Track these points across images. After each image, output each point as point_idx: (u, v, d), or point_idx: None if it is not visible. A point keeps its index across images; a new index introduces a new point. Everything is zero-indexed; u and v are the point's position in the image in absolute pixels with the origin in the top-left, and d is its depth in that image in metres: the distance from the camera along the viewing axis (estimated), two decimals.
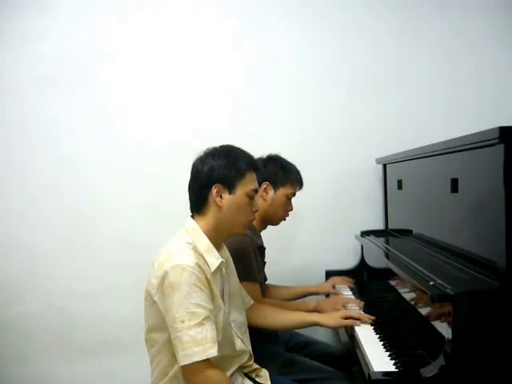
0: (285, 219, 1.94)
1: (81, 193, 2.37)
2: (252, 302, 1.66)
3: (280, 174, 1.88)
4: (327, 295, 2.17)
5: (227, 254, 1.54)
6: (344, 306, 1.79)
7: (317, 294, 2.15)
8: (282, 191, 1.88)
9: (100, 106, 2.37)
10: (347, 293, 2.09)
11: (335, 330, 1.88)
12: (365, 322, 1.65)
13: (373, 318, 1.66)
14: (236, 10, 2.40)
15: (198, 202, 1.44)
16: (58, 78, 2.34)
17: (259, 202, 1.73)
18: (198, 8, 2.39)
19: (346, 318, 1.64)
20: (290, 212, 1.94)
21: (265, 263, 1.97)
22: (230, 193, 1.41)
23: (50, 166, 2.36)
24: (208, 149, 1.47)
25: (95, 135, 2.37)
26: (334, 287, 2.15)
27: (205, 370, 1.27)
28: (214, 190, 1.40)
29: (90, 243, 2.37)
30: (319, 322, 1.63)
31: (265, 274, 2.01)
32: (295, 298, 2.09)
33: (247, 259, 1.70)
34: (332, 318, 1.64)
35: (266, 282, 2.03)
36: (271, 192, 1.87)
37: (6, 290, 2.34)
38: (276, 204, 1.88)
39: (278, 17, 2.41)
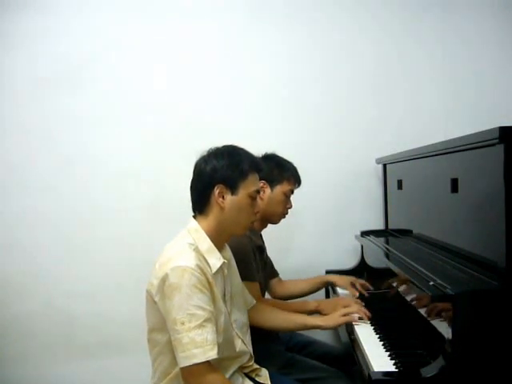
0: (284, 217, 1.93)
1: (81, 193, 2.37)
2: (254, 301, 1.65)
3: (275, 171, 1.86)
4: (327, 295, 2.18)
5: (229, 254, 1.53)
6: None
7: (334, 284, 2.09)
8: (279, 189, 1.86)
9: (100, 106, 2.37)
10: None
11: (336, 329, 1.87)
12: (362, 318, 1.65)
13: (369, 314, 1.66)
14: (238, 8, 2.39)
15: (200, 203, 1.43)
16: (58, 78, 2.34)
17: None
18: (198, 7, 2.38)
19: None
20: (289, 210, 1.93)
21: (265, 263, 1.97)
22: (232, 193, 1.40)
23: (49, 166, 2.36)
24: (211, 149, 1.45)
25: (95, 135, 2.37)
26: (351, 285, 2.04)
27: (204, 372, 1.27)
28: (217, 191, 1.39)
29: (90, 243, 2.37)
30: (321, 326, 1.63)
31: (276, 270, 2.07)
32: (314, 288, 2.09)
33: (246, 259, 1.69)
34: (332, 319, 1.63)
35: (280, 278, 2.10)
36: (268, 191, 1.85)
37: (6, 290, 2.34)
38: (274, 202, 1.86)
39: (278, 16, 2.41)
